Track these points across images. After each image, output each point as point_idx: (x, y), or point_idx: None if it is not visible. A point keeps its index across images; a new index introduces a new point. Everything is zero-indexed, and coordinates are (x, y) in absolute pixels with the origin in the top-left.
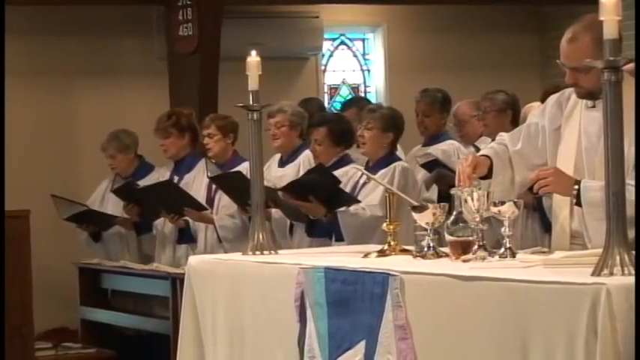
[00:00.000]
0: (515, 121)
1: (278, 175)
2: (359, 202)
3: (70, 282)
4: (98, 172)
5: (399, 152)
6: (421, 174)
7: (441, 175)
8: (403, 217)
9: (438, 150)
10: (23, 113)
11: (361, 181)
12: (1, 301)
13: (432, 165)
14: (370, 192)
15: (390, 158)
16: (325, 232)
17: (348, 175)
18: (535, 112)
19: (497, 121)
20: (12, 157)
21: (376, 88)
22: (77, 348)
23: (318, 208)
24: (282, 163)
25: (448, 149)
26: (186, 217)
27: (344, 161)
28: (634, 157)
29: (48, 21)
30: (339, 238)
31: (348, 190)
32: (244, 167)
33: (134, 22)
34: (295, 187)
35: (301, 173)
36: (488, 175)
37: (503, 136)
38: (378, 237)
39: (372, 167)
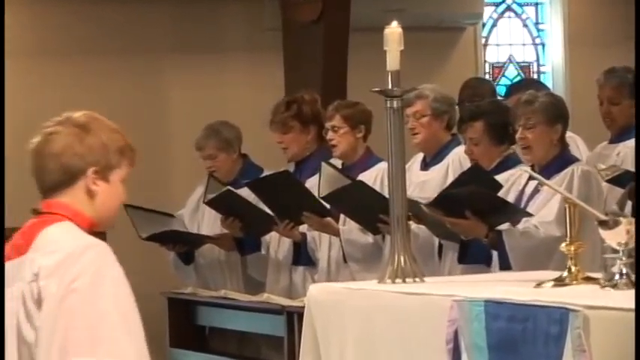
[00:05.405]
0: None
1: (420, 179)
2: (530, 215)
3: (158, 316)
4: (193, 176)
5: (579, 149)
6: (606, 186)
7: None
8: (587, 236)
9: (628, 148)
10: (96, 101)
11: (528, 190)
12: (1, 303)
13: (622, 179)
14: (542, 205)
15: (563, 159)
16: (482, 257)
17: (510, 181)
18: None
19: None
20: None
21: (552, 68)
22: None
23: (477, 226)
24: (426, 165)
25: None
26: (303, 230)
27: (509, 161)
28: None
29: None
30: (505, 266)
31: (510, 201)
32: (380, 168)
33: None
34: (446, 200)
35: (450, 177)
36: None
37: None
38: (555, 263)
39: (542, 172)
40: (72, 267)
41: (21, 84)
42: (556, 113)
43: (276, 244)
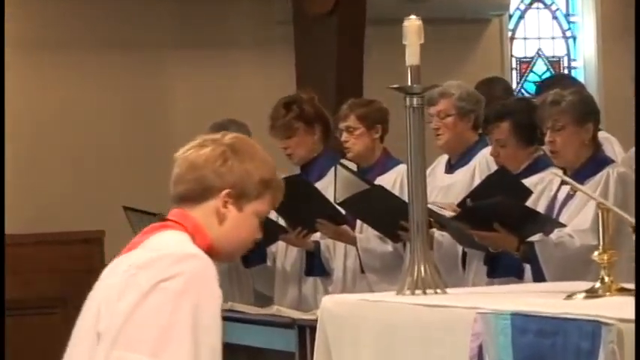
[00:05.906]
0: None
1: (445, 183)
2: (563, 226)
3: None
4: None
5: (614, 151)
6: None
7: None
8: (627, 243)
9: None
10: (97, 98)
11: (561, 196)
12: (2, 303)
13: None
14: (577, 211)
15: (597, 160)
16: (513, 270)
17: (541, 185)
18: None
19: None
20: (83, 162)
21: (584, 63)
22: None
23: (507, 239)
24: (451, 167)
25: None
26: (316, 238)
27: (539, 164)
28: None
29: None
30: (539, 280)
31: (542, 207)
32: (399, 171)
33: None
34: (473, 213)
35: (477, 180)
36: None
37: None
38: (592, 274)
39: (574, 176)
40: (169, 267)
41: (21, 81)
42: (586, 111)
43: (283, 254)
